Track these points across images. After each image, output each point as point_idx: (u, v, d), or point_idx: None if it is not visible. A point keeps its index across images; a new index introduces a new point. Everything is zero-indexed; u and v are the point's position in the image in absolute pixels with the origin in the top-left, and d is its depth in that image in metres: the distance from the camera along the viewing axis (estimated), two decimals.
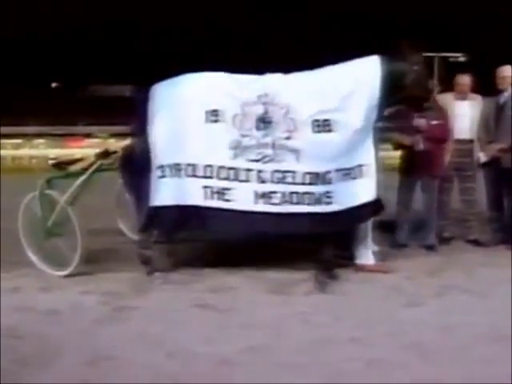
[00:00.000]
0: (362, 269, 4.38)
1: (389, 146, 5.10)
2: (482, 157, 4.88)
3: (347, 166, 4.09)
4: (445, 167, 4.94)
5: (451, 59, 27.89)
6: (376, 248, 4.79)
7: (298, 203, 4.01)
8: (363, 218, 4.23)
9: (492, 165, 4.85)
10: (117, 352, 2.86)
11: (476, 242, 5.07)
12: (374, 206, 4.17)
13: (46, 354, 2.86)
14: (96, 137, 26.97)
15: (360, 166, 4.10)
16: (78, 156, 5.40)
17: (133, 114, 4.59)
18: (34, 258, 4.47)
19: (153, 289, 3.93)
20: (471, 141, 4.94)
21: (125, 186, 4.68)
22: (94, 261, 4.45)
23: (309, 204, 4.00)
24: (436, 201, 4.95)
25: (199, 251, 4.86)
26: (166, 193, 4.19)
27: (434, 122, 4.70)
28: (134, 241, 5.11)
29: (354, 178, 4.10)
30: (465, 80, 5.04)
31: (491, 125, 4.84)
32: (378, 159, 4.18)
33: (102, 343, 2.98)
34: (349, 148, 4.06)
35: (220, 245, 4.85)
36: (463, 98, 4.99)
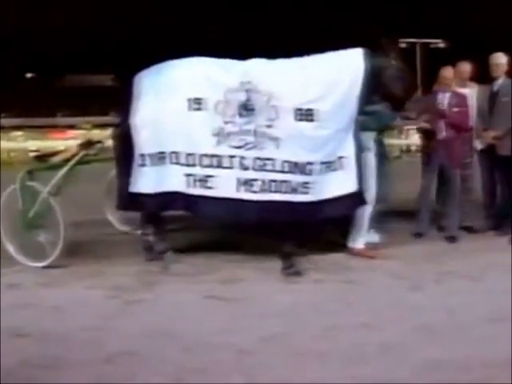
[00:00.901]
0: (352, 252, 4.52)
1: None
2: (478, 144, 4.99)
3: (331, 158, 4.14)
4: (468, 156, 4.98)
5: (432, 45, 28.21)
6: (376, 236, 4.93)
7: (276, 191, 4.08)
8: (340, 210, 4.23)
9: (487, 152, 4.96)
10: (132, 347, 2.83)
11: (469, 229, 5.19)
12: (354, 199, 4.20)
13: (57, 352, 2.79)
14: (79, 128, 26.55)
15: (340, 157, 4.16)
16: (60, 148, 5.48)
17: (117, 103, 4.65)
18: (11, 249, 4.45)
19: (159, 281, 3.95)
20: (470, 128, 5.01)
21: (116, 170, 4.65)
22: (86, 253, 4.49)
23: (285, 192, 4.07)
24: (459, 190, 4.93)
25: (197, 242, 4.91)
26: (144, 181, 4.25)
27: (456, 109, 4.76)
28: (123, 232, 5.25)
29: (334, 170, 4.16)
30: (465, 67, 5.13)
31: (485, 112, 4.94)
32: (359, 152, 4.21)
33: (116, 339, 2.95)
34: (331, 139, 4.11)
35: (219, 235, 4.92)
36: (462, 85, 5.07)
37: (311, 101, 4.05)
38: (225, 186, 4.10)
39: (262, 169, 4.08)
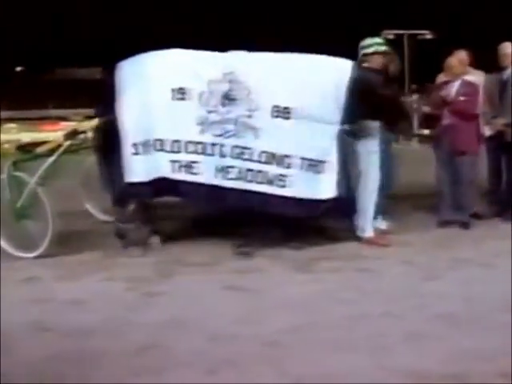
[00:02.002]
0: (362, 240, 4.57)
1: None
2: (487, 130, 5.04)
3: (312, 157, 4.16)
4: (478, 143, 4.99)
5: (419, 37, 28.10)
6: (384, 223, 4.98)
7: (251, 181, 4.17)
8: (315, 211, 4.29)
9: (495, 139, 5.02)
10: (159, 340, 2.84)
11: (475, 215, 5.23)
12: (330, 204, 4.22)
13: (83, 347, 2.77)
14: (71, 120, 26.58)
15: (322, 162, 4.18)
16: (49, 139, 5.55)
17: (100, 93, 4.73)
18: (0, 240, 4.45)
19: (174, 272, 3.96)
20: (477, 116, 5.01)
21: (98, 164, 4.70)
22: (80, 244, 4.57)
23: (261, 183, 4.16)
24: (470, 178, 4.94)
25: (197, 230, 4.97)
26: (140, 169, 4.34)
27: (462, 98, 4.78)
28: (103, 221, 5.30)
29: (317, 173, 4.19)
30: (462, 56, 5.11)
31: (495, 100, 5.00)
32: (343, 159, 4.23)
33: (141, 332, 2.95)
34: (311, 138, 4.13)
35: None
36: (467, 73, 5.06)
37: (289, 99, 4.09)
38: (205, 172, 4.23)
39: (239, 157, 4.19)
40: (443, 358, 2.57)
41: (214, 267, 4.07)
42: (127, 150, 4.37)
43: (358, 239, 4.59)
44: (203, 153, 4.24)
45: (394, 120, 4.35)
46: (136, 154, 4.34)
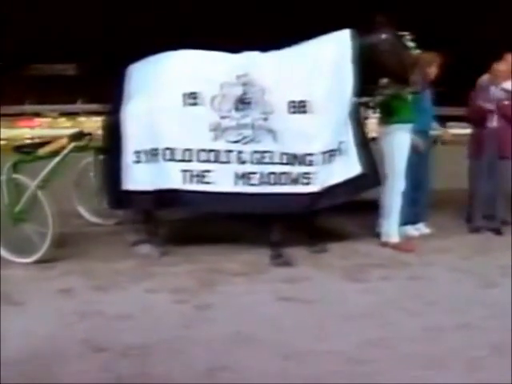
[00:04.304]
0: (387, 246, 4.45)
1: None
2: None
3: (332, 147, 4.06)
4: None
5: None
6: (413, 229, 4.86)
7: (275, 183, 4.02)
8: (343, 195, 4.16)
9: None
10: (228, 359, 2.60)
11: (502, 222, 5.13)
12: (358, 183, 4.14)
13: (149, 369, 2.52)
14: (47, 116, 25.91)
15: (340, 142, 4.09)
16: (46, 139, 5.40)
17: (108, 94, 4.45)
18: None
19: (217, 281, 3.70)
20: None
21: (102, 166, 4.52)
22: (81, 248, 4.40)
23: (285, 184, 4.01)
24: (509, 182, 4.89)
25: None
26: (140, 178, 4.13)
27: (507, 102, 4.72)
28: (94, 224, 5.14)
29: (334, 156, 4.07)
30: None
31: None
32: (359, 134, 4.14)
33: (205, 350, 2.70)
34: (328, 128, 4.03)
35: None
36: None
37: (303, 91, 3.95)
38: (222, 180, 4.03)
39: (260, 162, 4.03)
40: None
41: (256, 276, 3.85)
42: (128, 156, 4.17)
43: (377, 239, 4.53)
44: (216, 161, 4.04)
45: (403, 72, 4.06)
46: (137, 162, 4.14)
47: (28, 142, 5.45)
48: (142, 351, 2.69)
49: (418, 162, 4.63)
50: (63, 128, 24.24)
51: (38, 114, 26.54)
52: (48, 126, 26.69)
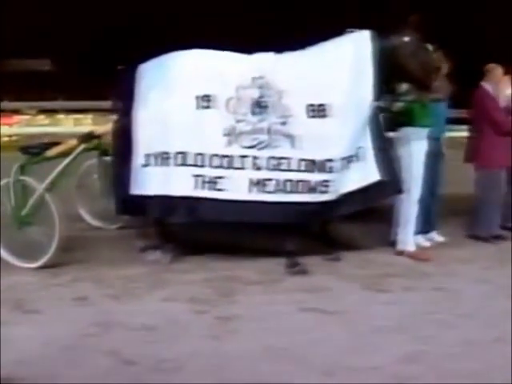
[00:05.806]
0: (402, 254, 4.36)
1: None
2: None
3: (351, 152, 3.92)
4: None
5: None
6: (424, 239, 4.78)
7: (291, 192, 3.83)
8: (359, 203, 4.02)
9: None
10: (264, 375, 2.46)
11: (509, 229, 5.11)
12: (376, 190, 4.00)
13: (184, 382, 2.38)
14: (25, 113, 25.47)
15: (358, 148, 3.95)
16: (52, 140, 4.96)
17: (117, 95, 4.31)
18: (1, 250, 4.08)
19: (236, 291, 3.55)
20: None
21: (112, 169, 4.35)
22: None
23: (302, 192, 3.83)
24: None
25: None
26: (149, 182, 3.96)
27: None
28: (95, 227, 5.01)
29: (352, 162, 3.93)
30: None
31: None
32: (378, 139, 4.00)
33: (238, 365, 2.55)
34: (348, 133, 3.87)
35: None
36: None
37: (322, 94, 3.80)
38: (236, 187, 3.83)
39: (276, 168, 3.83)
40: None
41: (273, 285, 3.70)
42: (137, 159, 4.00)
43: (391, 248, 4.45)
44: (230, 167, 3.85)
45: (426, 78, 3.93)
46: (146, 165, 3.98)
47: (35, 142, 5.18)
48: (175, 364, 2.54)
49: (431, 168, 4.56)
50: (42, 126, 23.89)
51: (16, 111, 25.91)
52: (27, 124, 26.12)
